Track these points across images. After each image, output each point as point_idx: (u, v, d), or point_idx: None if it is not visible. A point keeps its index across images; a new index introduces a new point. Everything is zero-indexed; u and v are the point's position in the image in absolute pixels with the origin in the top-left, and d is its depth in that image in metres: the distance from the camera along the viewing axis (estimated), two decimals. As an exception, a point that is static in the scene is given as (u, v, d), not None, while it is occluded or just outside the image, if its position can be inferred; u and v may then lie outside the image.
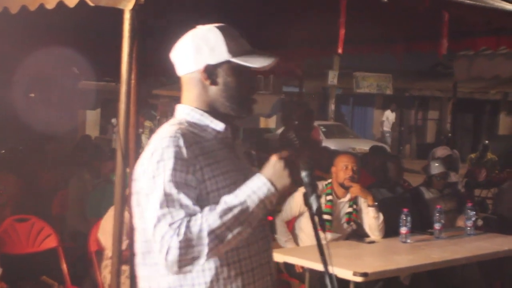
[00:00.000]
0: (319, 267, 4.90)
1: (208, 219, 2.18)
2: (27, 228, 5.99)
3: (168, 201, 2.21)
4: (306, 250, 5.77)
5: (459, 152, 13.63)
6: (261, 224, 2.39)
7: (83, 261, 6.05)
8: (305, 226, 6.05)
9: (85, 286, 5.88)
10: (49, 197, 7.36)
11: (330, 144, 20.81)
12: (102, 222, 5.47)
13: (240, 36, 2.47)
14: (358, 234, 6.13)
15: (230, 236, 2.19)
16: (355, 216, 6.09)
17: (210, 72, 2.42)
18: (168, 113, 24.14)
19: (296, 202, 6.08)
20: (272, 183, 2.26)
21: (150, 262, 2.35)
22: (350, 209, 6.09)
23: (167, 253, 2.16)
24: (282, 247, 5.87)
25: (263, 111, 29.13)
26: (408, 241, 5.89)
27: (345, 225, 6.09)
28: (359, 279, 4.72)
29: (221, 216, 2.18)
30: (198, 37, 2.44)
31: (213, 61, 2.41)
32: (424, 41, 8.39)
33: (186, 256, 2.16)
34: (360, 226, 6.15)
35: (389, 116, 27.07)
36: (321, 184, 6.18)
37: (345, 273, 4.77)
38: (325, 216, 5.97)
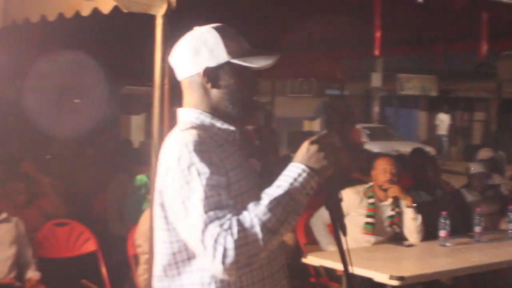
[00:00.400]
0: (357, 271, 4.95)
1: (257, 214, 2.12)
2: (67, 232, 6.09)
3: (210, 204, 2.12)
4: (348, 253, 5.74)
5: (506, 154, 13.40)
6: None
7: (123, 265, 6.09)
8: (350, 228, 6.00)
9: (125, 289, 5.93)
10: (89, 201, 7.44)
11: (374, 146, 20.67)
12: (138, 225, 5.51)
13: (239, 35, 2.41)
14: (398, 238, 6.08)
15: (281, 227, 2.14)
16: (397, 219, 6.05)
17: (211, 75, 2.36)
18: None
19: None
20: (310, 168, 2.23)
21: (172, 274, 2.31)
22: (392, 212, 6.05)
23: (223, 256, 2.06)
24: (323, 250, 5.88)
25: (306, 114, 29.11)
26: (447, 244, 5.82)
27: (388, 228, 6.05)
28: (395, 282, 4.67)
29: (270, 209, 2.13)
30: (195, 39, 2.38)
31: (213, 63, 2.35)
32: (463, 41, 8.30)
33: (243, 256, 2.08)
34: (402, 228, 6.11)
35: (444, 118, 26.55)
36: (362, 187, 6.16)
37: (381, 277, 4.74)
38: (368, 219, 5.96)
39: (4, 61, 7.43)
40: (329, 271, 5.90)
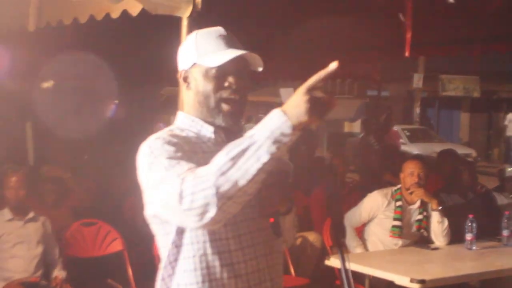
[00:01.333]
0: (381, 274, 4.94)
1: (215, 160, 2.04)
2: (94, 232, 6.16)
3: (171, 163, 2.14)
4: (372, 256, 5.74)
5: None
6: (258, 228, 2.34)
7: (152, 265, 6.13)
8: (377, 230, 6.03)
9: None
10: (120, 201, 7.51)
11: (414, 148, 20.54)
12: None
13: (226, 37, 2.38)
14: (425, 241, 6.04)
15: (237, 174, 1.98)
16: (425, 223, 6.01)
17: (185, 77, 2.40)
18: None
19: (365, 208, 6.06)
20: (288, 115, 1.99)
21: (168, 274, 2.35)
22: (420, 216, 6.02)
23: (180, 197, 2.03)
24: (350, 253, 5.87)
25: (347, 115, 28.97)
26: (474, 247, 5.76)
27: (416, 232, 6.02)
28: (416, 286, 4.65)
29: (227, 152, 2.01)
30: (181, 46, 2.45)
31: (186, 66, 2.40)
32: (502, 41, 8.20)
33: (197, 202, 2.01)
34: (429, 232, 6.07)
35: None
36: (390, 190, 6.15)
37: (402, 280, 4.72)
38: (395, 222, 5.95)
39: (38, 61, 7.58)
40: (355, 274, 5.87)
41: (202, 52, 2.35)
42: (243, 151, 1.99)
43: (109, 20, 5.19)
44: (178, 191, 2.04)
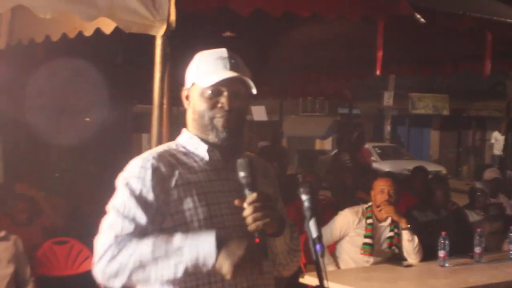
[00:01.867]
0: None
1: (141, 249, 2.23)
2: (66, 250, 6.11)
3: (125, 210, 2.32)
4: (345, 274, 5.74)
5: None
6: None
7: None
8: (348, 248, 6.04)
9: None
10: (92, 219, 7.44)
11: (385, 165, 20.65)
12: None
13: (224, 57, 2.46)
14: (397, 258, 6.06)
15: (153, 274, 2.23)
16: (396, 240, 6.03)
17: (186, 95, 2.52)
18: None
19: (336, 226, 6.07)
20: (219, 257, 2.20)
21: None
22: (391, 233, 6.03)
23: (100, 258, 2.30)
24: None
25: (318, 133, 29.11)
26: (447, 264, 5.80)
27: (386, 249, 6.03)
28: (391, 303, 4.66)
29: (153, 250, 2.22)
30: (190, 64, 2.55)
31: (187, 84, 2.52)
32: (471, 61, 8.29)
33: (109, 272, 2.27)
34: (401, 250, 6.09)
35: (498, 137, 26.12)
36: (361, 208, 6.16)
37: (377, 297, 4.73)
38: (366, 240, 5.96)
39: (8, 78, 7.51)
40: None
41: (200, 72, 2.45)
42: (166, 258, 2.20)
43: (82, 38, 5.16)
44: (102, 251, 2.29)
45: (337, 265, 6.10)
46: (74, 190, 8.33)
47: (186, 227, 2.31)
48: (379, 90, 25.15)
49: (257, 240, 2.27)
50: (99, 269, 2.29)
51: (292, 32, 7.80)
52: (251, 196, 2.24)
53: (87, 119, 14.40)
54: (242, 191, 2.31)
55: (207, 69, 2.44)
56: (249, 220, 2.24)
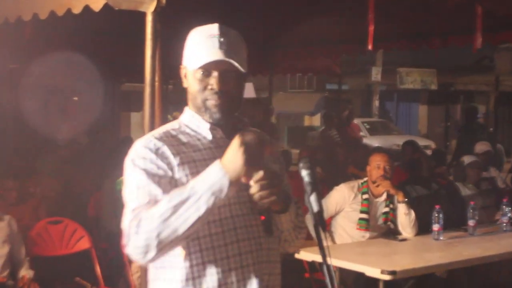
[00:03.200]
0: (351, 266, 4.96)
1: (159, 206, 2.20)
2: (60, 230, 6.09)
3: (139, 186, 2.29)
4: (341, 248, 5.75)
5: (505, 147, 13.38)
6: (246, 224, 2.37)
7: (117, 262, 6.09)
8: (344, 223, 6.05)
9: (119, 287, 5.93)
10: (85, 199, 7.45)
11: (374, 141, 20.68)
12: None
13: (214, 35, 2.41)
14: (392, 233, 6.08)
15: (177, 222, 2.15)
16: (392, 216, 6.04)
17: (184, 73, 2.49)
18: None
19: (332, 201, 6.08)
20: (225, 169, 2.17)
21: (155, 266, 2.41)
22: (386, 209, 6.04)
23: (127, 235, 2.22)
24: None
25: (307, 109, 29.11)
26: (441, 238, 5.82)
27: (382, 225, 6.05)
28: (387, 277, 4.66)
29: (169, 200, 2.18)
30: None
31: (183, 63, 2.49)
32: (460, 35, 8.28)
33: (140, 243, 2.19)
34: (396, 225, 6.11)
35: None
36: (357, 183, 6.17)
37: (373, 271, 4.74)
38: (362, 215, 5.96)
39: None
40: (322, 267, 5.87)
41: (190, 53, 2.43)
42: (184, 201, 2.16)
43: (70, 16, 5.11)
44: (127, 231, 2.21)
45: (332, 240, 6.11)
46: (64, 170, 8.31)
47: None
48: (367, 66, 25.17)
49: (263, 217, 2.28)
50: (130, 249, 2.22)
51: (280, 8, 7.77)
52: (258, 174, 2.20)
53: (75, 98, 14.35)
54: None
55: (196, 49, 2.41)
56: (255, 198, 2.22)
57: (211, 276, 2.32)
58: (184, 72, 2.48)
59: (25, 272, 5.60)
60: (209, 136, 2.44)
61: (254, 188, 2.21)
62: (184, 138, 2.43)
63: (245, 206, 2.35)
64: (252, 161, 2.15)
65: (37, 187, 7.16)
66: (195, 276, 2.32)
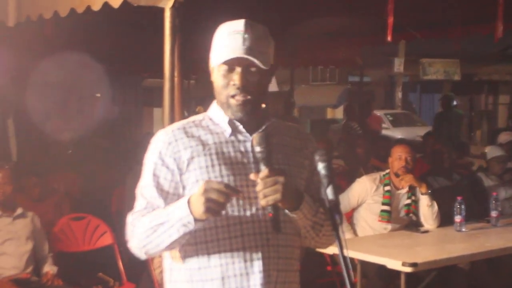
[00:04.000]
0: (373, 258, 4.95)
1: (144, 222, 2.36)
2: (83, 226, 6.14)
3: (145, 185, 2.46)
4: (362, 241, 5.74)
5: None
6: (253, 220, 2.38)
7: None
8: (366, 215, 6.04)
9: (142, 282, 5.95)
10: (109, 194, 7.49)
11: (397, 132, 20.62)
12: None
13: (240, 32, 2.41)
14: (414, 225, 6.05)
15: (157, 240, 2.32)
16: (414, 208, 6.02)
17: (211, 73, 2.51)
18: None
19: (354, 193, 6.07)
20: (191, 209, 2.25)
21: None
22: (408, 201, 6.01)
23: (128, 237, 2.44)
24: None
25: (329, 101, 29.04)
26: (463, 229, 5.79)
27: (404, 217, 6.02)
28: (408, 269, 4.64)
29: (151, 220, 2.34)
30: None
31: (212, 64, 2.50)
32: (483, 23, 8.21)
33: (132, 245, 2.42)
34: (418, 217, 6.08)
35: None
36: (379, 175, 6.15)
37: (394, 264, 4.73)
38: (384, 207, 5.95)
39: (19, 57, 7.50)
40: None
41: (216, 48, 2.46)
42: (161, 224, 2.32)
43: (90, 13, 5.13)
44: (127, 226, 2.43)
45: (354, 232, 6.10)
46: (87, 166, 8.37)
47: None
48: (390, 57, 25.00)
49: (270, 214, 2.28)
50: (130, 246, 2.44)
51: (303, 0, 7.74)
52: (262, 172, 2.25)
53: (98, 94, 14.43)
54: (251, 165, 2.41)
55: (221, 44, 2.43)
56: (259, 195, 2.25)
57: (215, 267, 2.38)
58: (212, 67, 2.50)
59: (49, 268, 5.65)
60: (229, 130, 2.47)
61: (259, 185, 2.24)
62: (203, 131, 2.48)
63: (255, 202, 2.36)
64: (212, 210, 2.21)
65: (60, 183, 7.21)
66: (201, 266, 2.40)
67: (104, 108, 12.47)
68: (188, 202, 2.25)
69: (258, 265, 2.38)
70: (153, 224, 2.32)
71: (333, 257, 5.91)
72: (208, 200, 2.20)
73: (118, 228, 6.72)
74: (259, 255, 2.38)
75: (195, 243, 2.39)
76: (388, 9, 6.61)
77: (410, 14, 7.53)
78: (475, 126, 29.02)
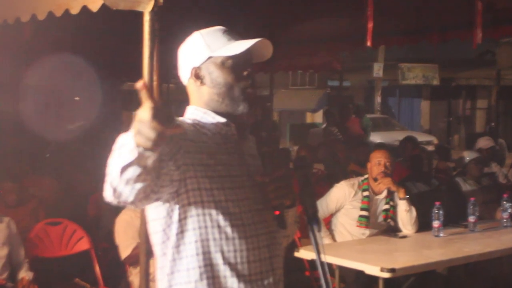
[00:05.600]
0: (351, 264, 4.95)
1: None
2: (60, 231, 6.08)
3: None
4: (341, 246, 5.75)
5: (507, 141, 13.34)
6: (262, 219, 2.39)
7: (118, 262, 6.08)
8: (344, 221, 6.04)
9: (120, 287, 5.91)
10: (86, 199, 7.44)
11: (377, 137, 20.65)
12: (115, 224, 5.49)
13: (225, 32, 2.47)
14: (393, 230, 6.06)
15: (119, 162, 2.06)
16: (392, 213, 6.03)
17: (197, 74, 2.45)
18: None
19: (332, 199, 6.06)
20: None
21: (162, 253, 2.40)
22: (387, 206, 6.02)
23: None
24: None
25: (309, 106, 29.09)
26: (441, 234, 5.80)
27: (382, 222, 6.03)
28: (386, 275, 4.65)
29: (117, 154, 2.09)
30: (184, 46, 2.51)
31: (197, 63, 2.45)
32: (460, 30, 8.26)
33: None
34: (396, 222, 6.10)
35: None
36: (357, 180, 6.16)
37: (372, 269, 4.73)
38: (362, 212, 5.96)
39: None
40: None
41: (215, 46, 2.43)
42: (121, 147, 2.05)
43: (69, 16, 5.10)
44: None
45: (333, 237, 6.10)
46: (64, 170, 8.30)
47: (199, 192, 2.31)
48: (369, 62, 25.12)
49: (277, 212, 2.37)
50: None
51: (280, 5, 7.74)
52: (275, 173, 2.32)
53: (77, 98, 14.35)
54: (256, 166, 2.43)
55: (220, 42, 2.43)
56: (272, 195, 2.32)
57: (231, 266, 2.34)
58: (196, 72, 2.45)
59: (25, 274, 5.58)
60: (223, 132, 2.44)
61: (271, 186, 2.32)
62: (199, 131, 2.40)
63: (258, 202, 2.40)
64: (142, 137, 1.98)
65: (37, 188, 7.14)
66: (213, 263, 2.33)
67: (82, 111, 12.40)
68: None
69: (270, 263, 2.42)
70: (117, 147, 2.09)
71: (311, 262, 5.90)
72: (139, 132, 1.98)
73: (95, 233, 6.70)
74: (270, 254, 2.43)
75: (207, 239, 2.32)
76: (368, 15, 6.63)
77: (389, 19, 7.56)
78: (453, 131, 29.19)
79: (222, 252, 2.33)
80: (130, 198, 2.12)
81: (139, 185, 2.09)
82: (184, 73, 2.50)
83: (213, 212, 2.32)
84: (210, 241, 2.32)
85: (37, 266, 5.74)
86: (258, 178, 2.36)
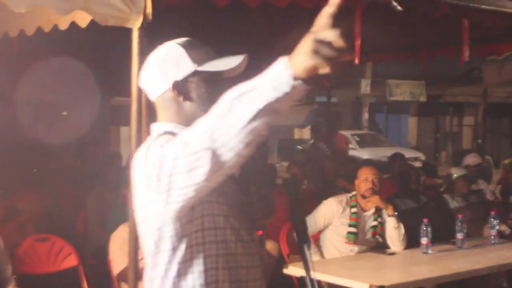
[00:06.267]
0: (340, 281, 4.95)
1: (216, 105, 1.94)
2: (47, 247, 6.03)
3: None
4: (329, 263, 5.74)
5: (494, 158, 13.40)
6: (252, 239, 2.35)
7: (106, 279, 6.05)
8: (332, 237, 6.04)
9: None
10: (75, 214, 7.41)
11: (364, 153, 20.71)
12: (110, 240, 5.47)
13: (205, 45, 2.37)
14: (381, 247, 6.07)
15: (233, 117, 1.87)
16: (380, 229, 6.04)
17: (180, 88, 2.32)
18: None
19: (320, 215, 6.06)
20: (291, 62, 1.84)
21: (155, 263, 2.28)
22: (375, 222, 6.03)
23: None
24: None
25: (297, 121, 29.06)
26: (429, 251, 5.82)
27: (371, 239, 6.04)
28: (375, 292, 4.65)
29: (226, 101, 1.91)
30: (160, 57, 2.35)
31: (180, 76, 2.31)
32: (448, 47, 8.31)
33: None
34: (385, 238, 6.10)
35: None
36: (345, 196, 6.16)
37: (361, 286, 4.73)
38: (350, 229, 5.96)
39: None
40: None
41: (200, 60, 2.32)
42: (243, 94, 1.87)
43: (57, 32, 5.10)
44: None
45: (321, 254, 6.09)
46: (53, 185, 8.26)
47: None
48: (356, 78, 25.20)
49: (261, 232, 2.42)
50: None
51: (263, 23, 7.76)
52: (261, 191, 2.35)
53: (64, 113, 14.27)
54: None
55: (204, 56, 2.32)
56: (259, 215, 2.37)
57: (231, 284, 2.27)
58: (180, 87, 2.31)
59: (12, 291, 5.55)
60: None
61: (258, 204, 2.34)
62: None
63: (243, 222, 2.32)
64: (320, 55, 1.78)
65: (25, 203, 7.10)
66: (218, 280, 2.26)
67: (71, 126, 12.34)
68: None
69: (260, 285, 2.38)
70: (229, 98, 1.87)
71: (300, 279, 5.89)
72: (316, 41, 1.76)
73: (84, 249, 6.67)
74: (258, 276, 2.38)
75: (204, 256, 2.24)
76: (355, 32, 6.66)
77: (377, 37, 7.59)
78: (440, 148, 29.30)
79: (227, 269, 2.26)
80: (233, 161, 1.92)
81: (254, 142, 1.90)
82: (158, 86, 2.34)
83: (221, 226, 2.25)
84: (214, 257, 2.24)
85: (25, 282, 5.69)
86: (243, 196, 2.29)
